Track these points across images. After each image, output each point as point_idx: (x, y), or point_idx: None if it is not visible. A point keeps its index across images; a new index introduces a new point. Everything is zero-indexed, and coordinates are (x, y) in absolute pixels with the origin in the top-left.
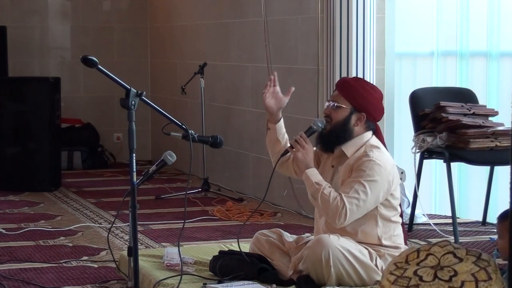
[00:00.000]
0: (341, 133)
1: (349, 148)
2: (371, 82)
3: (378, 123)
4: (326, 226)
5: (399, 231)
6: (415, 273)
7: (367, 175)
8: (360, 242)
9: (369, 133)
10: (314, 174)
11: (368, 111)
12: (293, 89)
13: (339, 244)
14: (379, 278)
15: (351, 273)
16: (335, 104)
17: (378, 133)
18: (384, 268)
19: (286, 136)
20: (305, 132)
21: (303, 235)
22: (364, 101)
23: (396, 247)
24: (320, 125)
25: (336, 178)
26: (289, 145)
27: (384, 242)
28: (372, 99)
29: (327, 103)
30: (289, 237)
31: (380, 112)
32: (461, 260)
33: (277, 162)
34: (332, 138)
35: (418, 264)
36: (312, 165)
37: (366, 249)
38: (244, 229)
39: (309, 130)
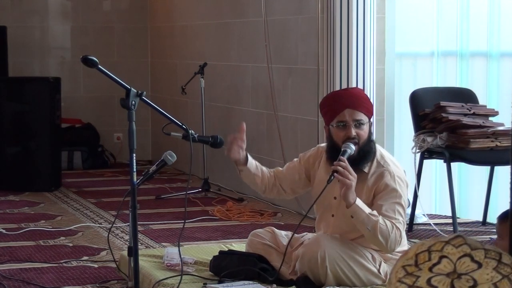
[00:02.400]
0: (370, 149)
1: (365, 165)
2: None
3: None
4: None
5: (404, 233)
6: (428, 282)
7: (400, 195)
8: (366, 247)
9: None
10: (363, 205)
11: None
12: (244, 125)
13: (337, 244)
14: (379, 282)
15: (349, 275)
16: (361, 122)
17: None
18: (389, 272)
19: (258, 164)
20: (342, 155)
21: (296, 235)
22: (372, 111)
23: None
24: (353, 147)
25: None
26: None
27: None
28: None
29: (339, 123)
30: (283, 237)
31: None
32: (480, 265)
33: (324, 188)
34: (364, 157)
35: (430, 269)
36: (355, 195)
37: (370, 253)
38: (243, 229)
39: (344, 154)
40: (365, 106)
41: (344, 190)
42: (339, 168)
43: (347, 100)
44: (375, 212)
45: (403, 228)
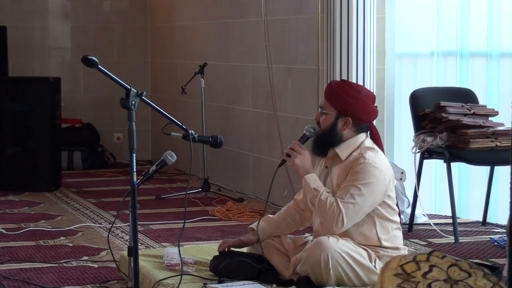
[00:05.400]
0: (331, 138)
1: (343, 151)
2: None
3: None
4: (321, 228)
5: (398, 232)
6: (429, 287)
7: (362, 178)
8: (359, 244)
9: (363, 135)
10: (313, 179)
11: (353, 115)
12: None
13: (338, 246)
14: None
15: (351, 275)
16: (322, 111)
17: (374, 133)
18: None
19: (276, 224)
20: (299, 140)
21: (301, 236)
22: (347, 105)
23: (396, 248)
24: (312, 130)
25: (329, 178)
26: (284, 155)
27: (384, 244)
28: (356, 102)
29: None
30: (287, 237)
31: (369, 113)
32: (469, 274)
33: (275, 174)
34: (323, 142)
35: (424, 276)
36: (311, 170)
37: (366, 250)
38: (243, 229)
39: (303, 137)
40: (333, 100)
41: (292, 165)
42: (288, 150)
43: (326, 89)
44: (320, 189)
45: (353, 210)
